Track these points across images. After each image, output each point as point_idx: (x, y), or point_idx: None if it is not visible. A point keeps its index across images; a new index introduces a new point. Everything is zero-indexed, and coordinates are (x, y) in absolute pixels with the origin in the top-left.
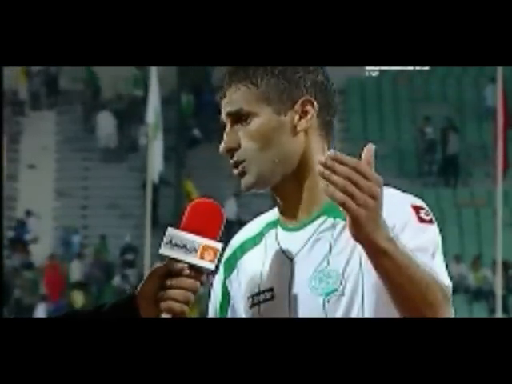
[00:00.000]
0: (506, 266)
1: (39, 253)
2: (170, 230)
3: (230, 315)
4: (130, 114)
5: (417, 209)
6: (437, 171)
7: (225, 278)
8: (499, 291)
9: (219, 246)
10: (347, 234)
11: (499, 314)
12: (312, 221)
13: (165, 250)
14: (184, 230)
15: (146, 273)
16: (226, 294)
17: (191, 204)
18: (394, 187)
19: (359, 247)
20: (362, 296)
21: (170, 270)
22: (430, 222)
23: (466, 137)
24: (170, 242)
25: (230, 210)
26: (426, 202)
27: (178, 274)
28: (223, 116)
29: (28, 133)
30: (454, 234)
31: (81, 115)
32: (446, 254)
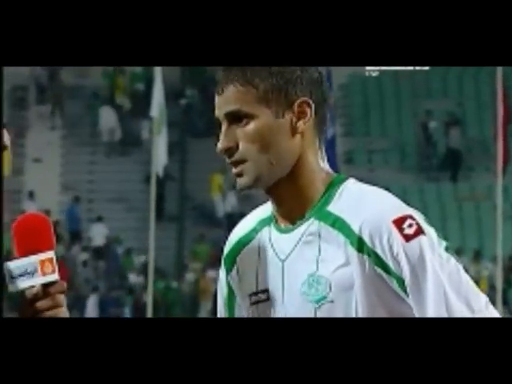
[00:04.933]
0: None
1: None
2: (6, 265)
3: (236, 310)
4: (133, 108)
5: (399, 223)
6: (438, 165)
7: (227, 274)
8: (499, 284)
9: (51, 253)
10: (334, 240)
11: (499, 306)
12: (302, 223)
13: (12, 287)
14: (19, 256)
15: (152, 266)
16: (230, 290)
17: (12, 228)
18: (390, 185)
19: (352, 259)
20: (356, 307)
21: (31, 299)
22: (416, 233)
23: (466, 132)
24: (12, 276)
25: (230, 203)
26: (426, 196)
27: (37, 299)
28: (219, 114)
29: (33, 127)
30: (454, 227)
31: (86, 110)
32: (446, 248)
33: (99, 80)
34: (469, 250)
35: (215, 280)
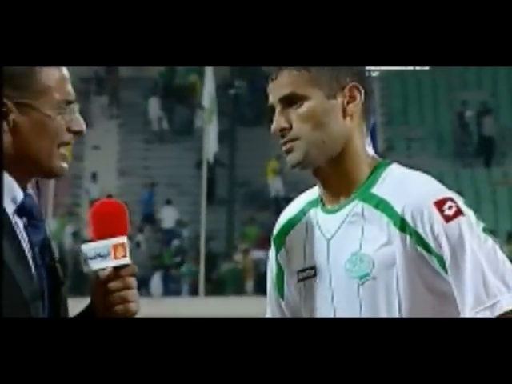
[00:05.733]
0: None
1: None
2: (82, 247)
3: (285, 287)
4: (184, 98)
5: (439, 205)
6: (473, 152)
7: (276, 253)
8: None
9: (124, 239)
10: (377, 220)
11: None
12: (346, 204)
13: (86, 268)
14: (94, 240)
15: (203, 247)
16: (279, 268)
17: (90, 213)
18: (429, 170)
19: (395, 238)
20: (397, 283)
21: (103, 281)
22: (456, 214)
23: (499, 120)
24: (86, 257)
25: (275, 187)
26: (462, 181)
27: (109, 280)
28: (273, 99)
29: (92, 117)
30: (488, 210)
31: (141, 100)
32: (484, 229)
33: (154, 72)
34: (502, 232)
35: (258, 261)
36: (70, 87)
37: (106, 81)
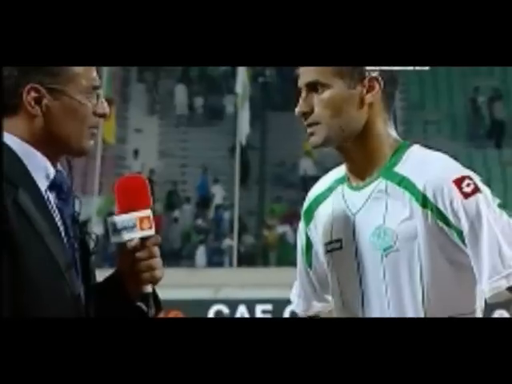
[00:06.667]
0: None
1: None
2: (109, 219)
3: (313, 257)
4: (218, 85)
5: (458, 182)
6: (485, 135)
7: (306, 227)
8: None
9: (148, 212)
10: (400, 196)
11: None
12: (371, 182)
13: (114, 239)
14: (120, 213)
15: (236, 223)
16: (308, 240)
17: (115, 188)
18: (444, 151)
19: (417, 213)
20: (419, 255)
21: (131, 250)
22: (473, 191)
23: (510, 105)
24: (114, 229)
25: (305, 167)
26: (474, 161)
27: (136, 250)
28: (300, 83)
29: (135, 101)
30: (498, 189)
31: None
32: (499, 204)
33: None
34: (511, 209)
35: (281, 235)
36: (95, 74)
37: (147, 69)
